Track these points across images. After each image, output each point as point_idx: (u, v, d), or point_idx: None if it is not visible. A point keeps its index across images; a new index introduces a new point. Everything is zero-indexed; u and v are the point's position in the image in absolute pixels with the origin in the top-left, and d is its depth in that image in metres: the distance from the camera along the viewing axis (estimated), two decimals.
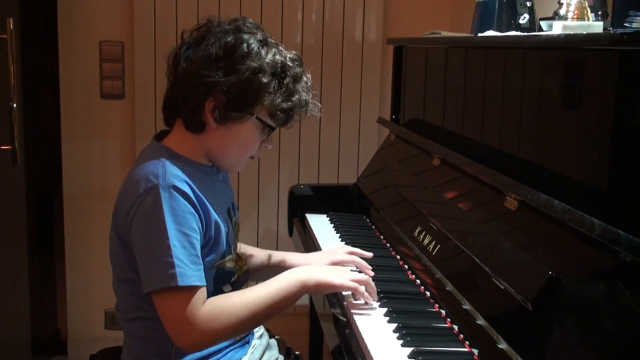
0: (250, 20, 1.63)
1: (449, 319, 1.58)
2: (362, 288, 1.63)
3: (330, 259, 1.87)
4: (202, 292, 1.49)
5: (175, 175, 1.51)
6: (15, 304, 2.85)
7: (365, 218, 2.41)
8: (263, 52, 1.56)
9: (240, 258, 1.76)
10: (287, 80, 1.58)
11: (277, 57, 1.58)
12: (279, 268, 1.90)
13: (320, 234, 2.24)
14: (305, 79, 1.64)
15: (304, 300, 1.85)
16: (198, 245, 1.51)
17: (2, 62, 2.48)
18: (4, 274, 2.72)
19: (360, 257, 1.86)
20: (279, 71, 1.57)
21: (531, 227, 1.52)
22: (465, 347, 1.45)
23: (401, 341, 1.46)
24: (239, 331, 1.60)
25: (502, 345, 1.35)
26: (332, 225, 2.34)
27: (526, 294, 1.35)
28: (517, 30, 2.07)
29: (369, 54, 3.23)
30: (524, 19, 2.08)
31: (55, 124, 3.15)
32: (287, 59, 1.60)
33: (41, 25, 3.09)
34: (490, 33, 2.04)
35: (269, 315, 1.57)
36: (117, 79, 3.15)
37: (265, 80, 1.54)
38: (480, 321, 1.46)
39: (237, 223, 1.75)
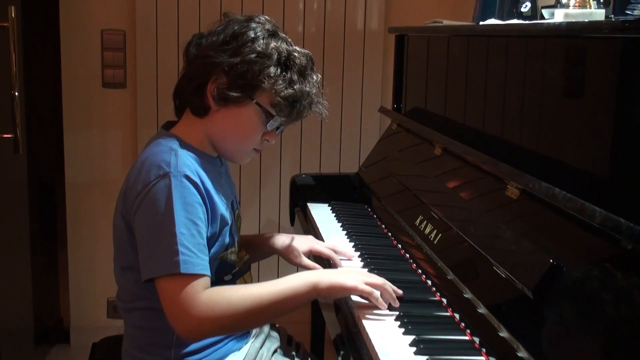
0: (267, 16, 1.64)
1: (450, 308, 1.58)
2: (377, 293, 1.55)
3: (310, 246, 1.89)
4: (205, 280, 1.48)
5: (186, 164, 1.51)
6: (17, 292, 2.86)
7: (366, 207, 2.41)
8: (270, 39, 1.58)
9: (241, 249, 1.76)
10: (291, 69, 1.58)
11: (284, 46, 1.59)
12: (261, 247, 1.91)
13: (322, 224, 2.24)
14: (313, 75, 1.63)
15: None
16: (205, 235, 1.51)
17: (3, 50, 2.48)
18: (6, 263, 2.72)
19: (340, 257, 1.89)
20: (284, 59, 1.58)
21: (532, 215, 1.52)
22: (467, 336, 1.45)
23: (402, 329, 1.47)
24: (238, 324, 1.53)
25: (503, 333, 1.36)
26: (334, 214, 2.34)
27: (527, 283, 1.35)
28: (518, 19, 2.07)
29: (371, 43, 3.23)
30: (525, 7, 2.07)
31: (57, 112, 3.16)
32: (294, 50, 1.61)
33: (43, 14, 3.09)
34: (491, 21, 2.03)
35: (273, 313, 1.54)
36: (119, 68, 3.15)
37: (267, 63, 1.55)
38: (482, 310, 1.46)
39: (239, 216, 1.76)
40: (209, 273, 1.49)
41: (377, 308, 1.55)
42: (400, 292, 1.60)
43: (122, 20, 3.12)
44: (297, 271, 1.80)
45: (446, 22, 2.34)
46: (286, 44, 1.61)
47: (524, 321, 1.34)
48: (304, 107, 1.61)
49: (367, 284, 1.55)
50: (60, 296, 3.34)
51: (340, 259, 1.88)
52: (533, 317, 1.32)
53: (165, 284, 1.46)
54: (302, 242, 1.90)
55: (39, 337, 3.13)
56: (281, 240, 1.90)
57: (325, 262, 1.88)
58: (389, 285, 1.58)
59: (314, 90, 1.63)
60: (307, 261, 1.86)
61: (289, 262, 1.89)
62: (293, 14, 3.15)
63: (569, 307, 1.26)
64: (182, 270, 1.44)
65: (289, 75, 1.58)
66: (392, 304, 1.56)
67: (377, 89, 3.26)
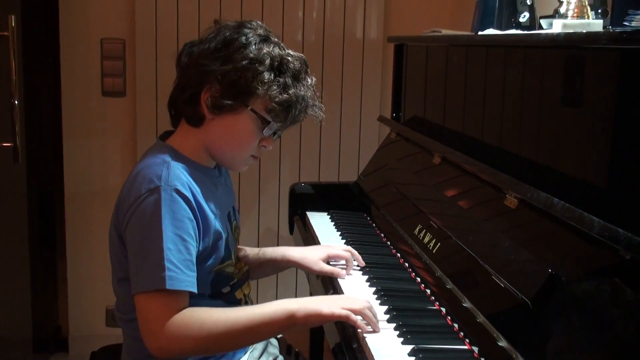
0: (258, 22, 1.62)
1: (449, 317, 1.58)
2: (354, 316, 1.49)
3: (327, 252, 1.88)
4: (185, 298, 1.47)
5: (178, 178, 1.50)
6: (16, 300, 2.86)
7: (365, 216, 2.42)
8: (262, 45, 1.56)
9: (240, 260, 1.75)
10: (285, 74, 1.56)
11: (277, 50, 1.57)
12: (278, 261, 1.90)
13: (321, 232, 2.24)
14: (307, 79, 1.61)
15: None
16: (194, 251, 1.49)
17: (3, 59, 2.48)
18: (5, 271, 2.72)
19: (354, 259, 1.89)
20: (277, 64, 1.56)
21: (531, 225, 1.53)
22: (466, 345, 1.45)
23: (401, 339, 1.47)
24: (210, 346, 1.50)
25: (502, 343, 1.36)
26: (333, 223, 2.34)
27: (526, 292, 1.35)
28: (517, 29, 2.08)
29: (370, 52, 3.24)
30: (524, 17, 2.08)
31: (57, 121, 3.16)
32: (287, 54, 1.59)
33: (43, 23, 3.09)
34: (490, 31, 2.04)
35: (247, 339, 1.54)
36: (119, 77, 3.15)
37: (260, 69, 1.53)
38: (480, 319, 1.47)
39: (237, 227, 1.75)
40: (194, 289, 1.48)
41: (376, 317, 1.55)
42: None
43: (122, 29, 3.13)
44: (318, 279, 1.80)
45: (445, 32, 2.35)
46: (279, 48, 1.58)
47: (523, 330, 1.34)
48: (300, 111, 1.59)
49: (344, 308, 1.50)
50: (59, 305, 3.34)
51: (353, 266, 1.88)
52: (532, 327, 1.32)
53: (144, 300, 1.45)
54: (319, 250, 1.91)
55: (38, 346, 3.12)
56: (297, 252, 1.90)
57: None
58: (369, 310, 1.52)
59: (309, 94, 1.60)
60: (327, 267, 1.85)
61: (309, 271, 1.89)
62: (292, 22, 3.16)
63: (568, 316, 1.27)
64: (168, 286, 1.42)
65: (282, 80, 1.55)
66: (373, 328, 1.50)
67: (376, 98, 3.26)
